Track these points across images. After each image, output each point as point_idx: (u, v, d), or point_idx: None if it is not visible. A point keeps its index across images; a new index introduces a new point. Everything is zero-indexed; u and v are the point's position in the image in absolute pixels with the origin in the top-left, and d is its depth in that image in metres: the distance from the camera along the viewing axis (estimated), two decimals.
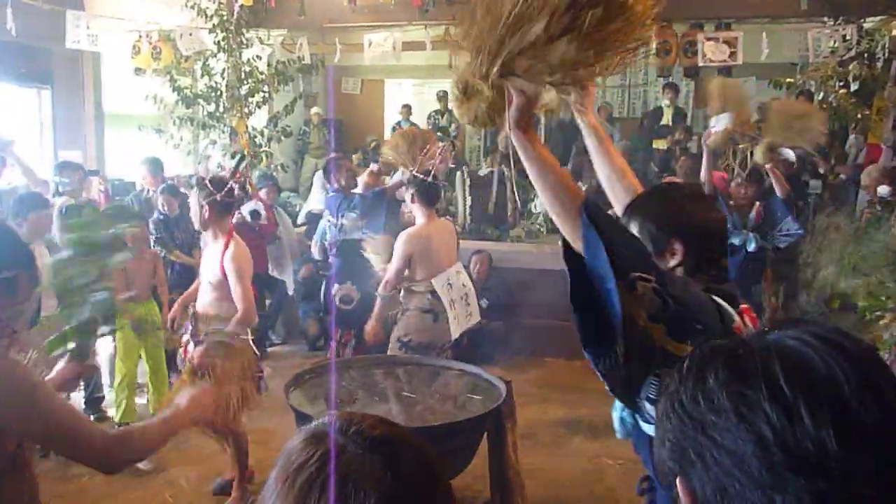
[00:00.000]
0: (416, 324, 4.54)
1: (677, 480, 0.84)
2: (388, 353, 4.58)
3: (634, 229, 1.97)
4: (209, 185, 3.98)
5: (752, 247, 5.62)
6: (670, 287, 1.62)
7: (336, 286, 5.91)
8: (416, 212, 4.70)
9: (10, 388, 1.81)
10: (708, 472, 0.80)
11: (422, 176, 4.78)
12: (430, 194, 4.70)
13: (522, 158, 1.86)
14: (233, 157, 6.15)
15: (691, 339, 1.63)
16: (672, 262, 1.92)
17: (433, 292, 4.52)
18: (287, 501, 0.86)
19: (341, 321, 5.89)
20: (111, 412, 5.66)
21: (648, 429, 1.86)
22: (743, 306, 1.95)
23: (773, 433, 0.76)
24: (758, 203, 5.69)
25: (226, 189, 4.00)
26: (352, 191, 6.21)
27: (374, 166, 6.46)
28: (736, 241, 5.57)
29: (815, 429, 0.75)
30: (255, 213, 6.81)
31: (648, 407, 1.74)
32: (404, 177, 5.31)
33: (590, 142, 2.23)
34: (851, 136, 8.45)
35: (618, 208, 2.24)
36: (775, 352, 0.80)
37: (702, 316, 1.69)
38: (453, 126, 11.59)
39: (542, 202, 1.87)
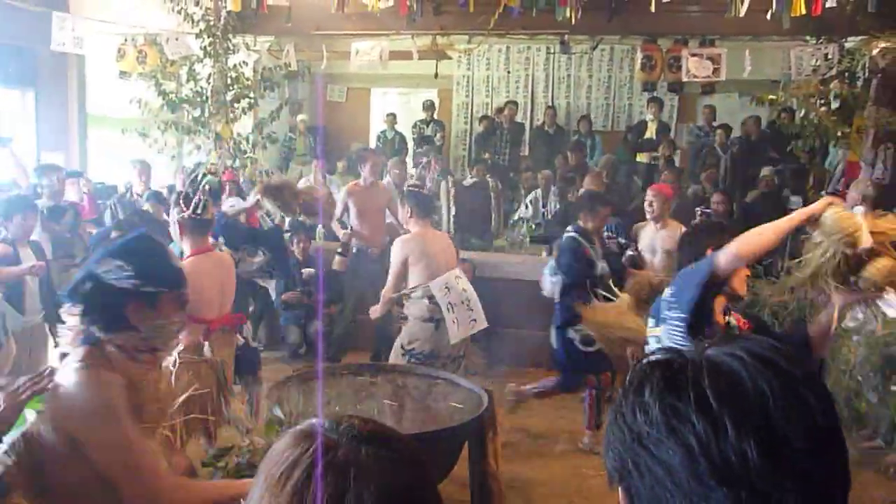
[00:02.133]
0: (418, 333, 4.58)
1: (619, 489, 0.87)
2: (391, 360, 4.63)
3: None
4: (181, 203, 3.87)
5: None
6: None
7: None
8: (411, 224, 4.77)
9: (89, 402, 1.88)
10: (643, 482, 0.82)
11: (415, 189, 4.87)
12: (424, 205, 4.79)
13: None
14: (193, 175, 6.08)
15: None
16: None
17: (431, 298, 4.54)
18: (281, 499, 0.86)
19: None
20: None
21: None
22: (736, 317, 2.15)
23: (698, 444, 0.78)
24: None
25: (192, 207, 3.83)
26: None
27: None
28: None
29: (738, 441, 0.77)
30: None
31: None
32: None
33: None
34: (835, 150, 8.56)
35: None
36: (707, 366, 0.83)
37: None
38: (438, 136, 11.62)
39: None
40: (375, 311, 4.95)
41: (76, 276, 2.10)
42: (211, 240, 4.27)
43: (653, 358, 0.89)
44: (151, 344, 2.04)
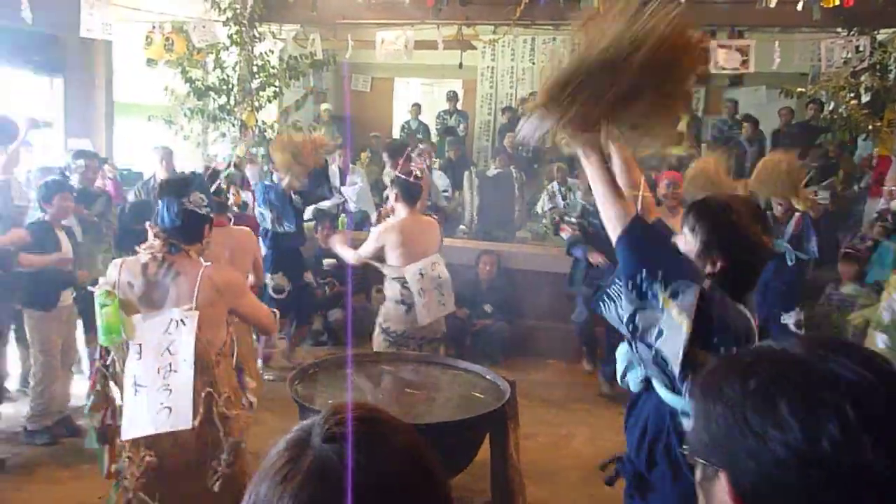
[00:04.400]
0: (391, 313, 4.75)
1: (721, 474, 0.94)
2: (374, 337, 4.81)
3: (690, 228, 2.22)
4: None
5: (791, 261, 5.51)
6: (711, 302, 1.92)
7: (269, 276, 6.27)
8: (398, 209, 4.88)
9: (235, 285, 3.10)
10: (763, 481, 0.90)
11: (404, 176, 4.97)
12: (411, 193, 4.91)
13: (591, 171, 2.16)
14: (213, 169, 6.20)
15: (710, 349, 1.92)
16: (709, 269, 2.15)
17: (405, 283, 4.70)
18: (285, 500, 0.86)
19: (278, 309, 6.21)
20: None
21: (674, 400, 2.11)
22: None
23: (835, 453, 0.85)
24: (797, 213, 5.58)
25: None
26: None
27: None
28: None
29: (874, 456, 0.84)
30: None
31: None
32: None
33: (618, 168, 2.44)
34: (864, 144, 8.44)
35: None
36: (843, 385, 0.89)
37: (725, 332, 1.96)
38: (461, 126, 11.60)
39: (603, 212, 2.17)
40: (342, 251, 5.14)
41: (168, 206, 2.98)
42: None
43: (771, 361, 0.95)
44: (205, 251, 3.12)
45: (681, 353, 1.94)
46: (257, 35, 8.54)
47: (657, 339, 2.00)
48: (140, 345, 2.88)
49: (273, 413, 4.67)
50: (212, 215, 3.13)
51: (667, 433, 2.20)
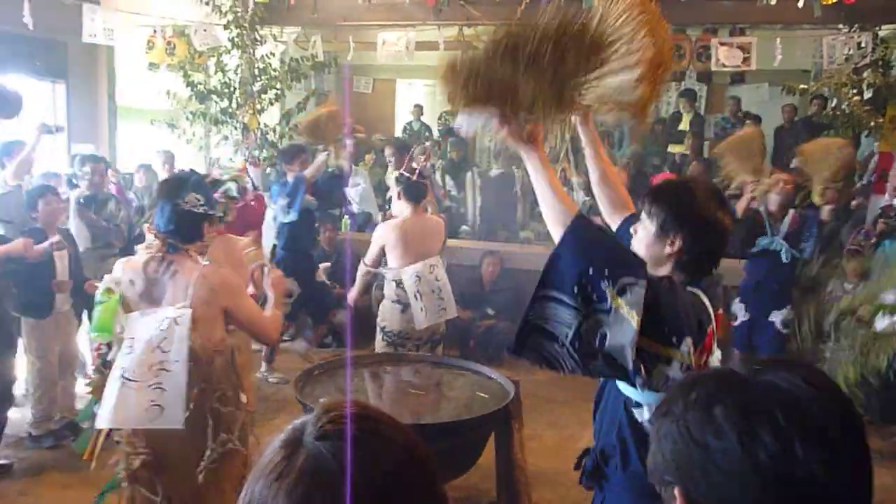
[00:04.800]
0: (387, 313, 4.79)
1: (675, 490, 0.98)
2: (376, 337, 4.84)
3: (647, 212, 2.18)
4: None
5: (786, 257, 5.48)
6: (659, 293, 1.89)
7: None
8: (402, 207, 4.88)
9: (231, 285, 3.06)
10: (709, 489, 0.94)
11: (408, 174, 4.96)
12: (415, 191, 4.90)
13: (532, 170, 2.10)
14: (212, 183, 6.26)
15: (660, 340, 1.93)
16: (667, 251, 2.12)
17: (400, 283, 4.71)
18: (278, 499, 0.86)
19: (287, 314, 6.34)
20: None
21: (629, 391, 2.11)
22: (718, 313, 2.10)
23: (771, 462, 0.90)
24: (792, 210, 5.52)
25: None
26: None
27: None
28: (763, 242, 5.50)
29: (806, 460, 0.89)
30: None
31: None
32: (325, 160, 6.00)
33: (588, 150, 2.49)
34: (867, 141, 8.42)
35: (603, 211, 2.56)
36: (775, 395, 0.95)
37: (676, 321, 1.95)
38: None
39: (545, 212, 2.12)
40: (352, 295, 5.18)
41: (162, 207, 3.03)
42: None
43: (709, 378, 1.02)
44: (205, 249, 3.19)
45: (630, 348, 1.89)
46: (258, 38, 8.55)
47: (601, 343, 1.94)
48: (133, 339, 2.90)
49: (281, 413, 4.68)
50: (210, 212, 3.15)
51: (620, 423, 2.19)
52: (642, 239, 2.18)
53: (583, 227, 2.01)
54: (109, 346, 3.11)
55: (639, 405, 2.13)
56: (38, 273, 4.92)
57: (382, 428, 0.93)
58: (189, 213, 3.04)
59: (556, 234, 2.06)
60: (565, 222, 2.01)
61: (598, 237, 2.06)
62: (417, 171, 5.00)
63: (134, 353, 2.87)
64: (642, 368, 1.96)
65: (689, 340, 1.98)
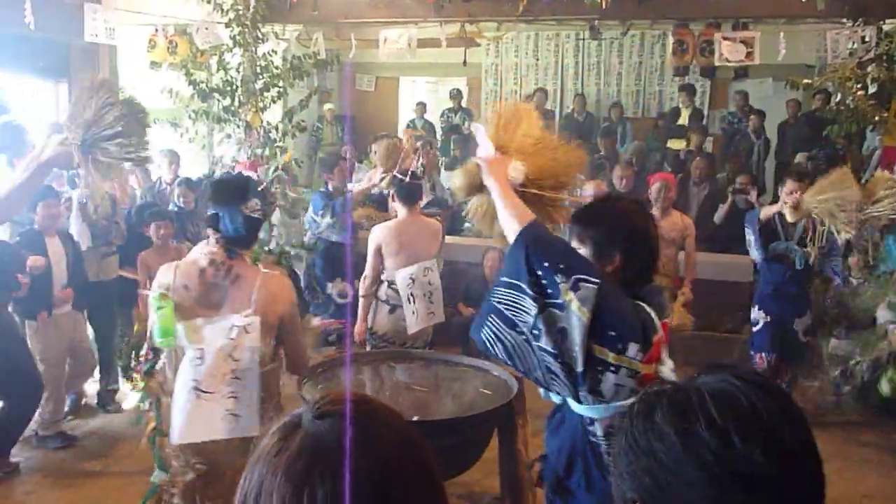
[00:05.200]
0: (378, 314, 4.77)
1: (636, 503, 1.01)
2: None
3: (577, 238, 2.28)
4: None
5: (800, 264, 5.46)
6: (607, 297, 1.98)
7: (329, 285, 6.43)
8: (397, 209, 4.88)
9: (288, 297, 3.09)
10: (663, 494, 0.97)
11: (400, 176, 4.96)
12: (408, 193, 4.89)
13: (495, 187, 2.33)
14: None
15: (607, 345, 1.99)
16: (609, 269, 2.20)
17: (392, 284, 4.70)
18: (279, 485, 0.86)
19: (339, 315, 6.35)
20: (125, 404, 5.71)
21: (580, 408, 2.16)
22: (663, 322, 2.22)
23: (713, 457, 0.93)
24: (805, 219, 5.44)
25: None
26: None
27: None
28: (780, 248, 5.49)
29: (746, 450, 0.92)
30: None
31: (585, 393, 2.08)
32: (374, 180, 5.71)
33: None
34: (871, 135, 8.38)
35: None
36: (707, 391, 0.99)
37: (622, 326, 2.02)
38: (466, 124, 11.58)
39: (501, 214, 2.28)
40: (359, 328, 4.89)
41: (230, 213, 2.99)
42: None
43: (653, 390, 1.05)
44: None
45: (580, 349, 1.95)
46: (260, 36, 8.53)
47: (563, 340, 1.99)
48: (202, 349, 2.85)
49: (285, 410, 4.68)
50: (266, 217, 3.27)
51: (580, 443, 2.22)
52: None
53: (538, 227, 2.14)
54: (158, 352, 3.07)
55: (592, 422, 2.16)
56: (36, 278, 4.93)
57: (379, 410, 0.95)
58: (252, 219, 3.06)
59: (511, 233, 2.17)
60: (522, 221, 2.15)
61: (553, 238, 2.19)
62: (410, 172, 4.98)
63: (205, 363, 2.83)
64: (588, 375, 2.00)
65: (635, 347, 2.03)
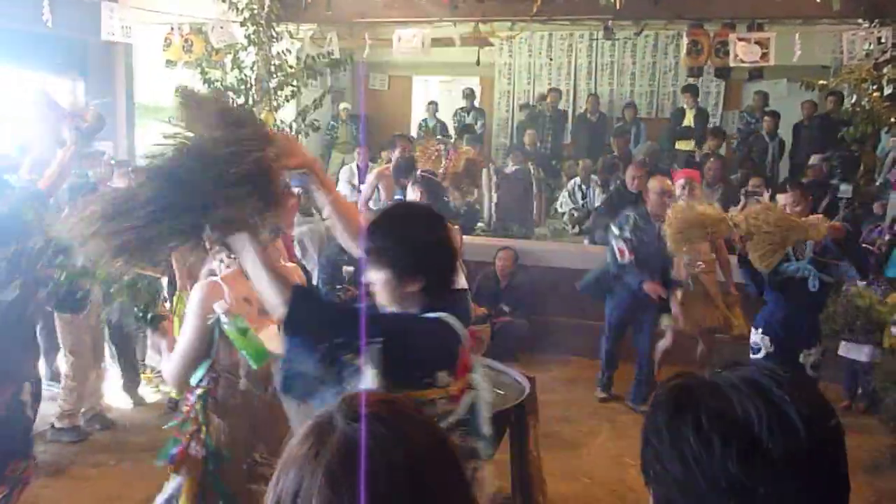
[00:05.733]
0: None
1: (651, 492, 1.02)
2: None
3: (372, 262, 2.11)
4: None
5: (812, 285, 4.57)
6: (396, 342, 1.87)
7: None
8: None
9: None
10: (661, 489, 0.98)
11: (428, 174, 4.93)
12: (435, 191, 4.92)
13: (246, 252, 2.07)
14: None
15: (415, 387, 1.89)
16: (411, 289, 2.06)
17: None
18: (316, 479, 0.88)
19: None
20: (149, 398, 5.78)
21: None
22: (470, 329, 2.17)
23: (694, 460, 0.92)
24: None
25: None
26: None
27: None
28: (790, 269, 4.59)
29: (723, 458, 0.90)
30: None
31: None
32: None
33: (326, 208, 2.40)
34: (886, 137, 8.33)
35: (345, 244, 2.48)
36: (707, 391, 0.97)
37: (422, 364, 1.94)
38: (479, 123, 11.59)
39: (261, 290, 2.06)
40: None
41: None
42: None
43: (672, 383, 1.03)
44: None
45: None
46: (275, 35, 8.57)
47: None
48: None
49: None
50: None
51: None
52: (383, 285, 2.09)
53: (303, 303, 1.97)
54: (217, 380, 2.68)
55: None
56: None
57: (406, 411, 0.98)
58: None
59: (277, 311, 1.99)
60: (284, 298, 1.96)
61: (321, 311, 2.05)
62: (429, 173, 4.97)
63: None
64: None
65: (442, 374, 1.97)
